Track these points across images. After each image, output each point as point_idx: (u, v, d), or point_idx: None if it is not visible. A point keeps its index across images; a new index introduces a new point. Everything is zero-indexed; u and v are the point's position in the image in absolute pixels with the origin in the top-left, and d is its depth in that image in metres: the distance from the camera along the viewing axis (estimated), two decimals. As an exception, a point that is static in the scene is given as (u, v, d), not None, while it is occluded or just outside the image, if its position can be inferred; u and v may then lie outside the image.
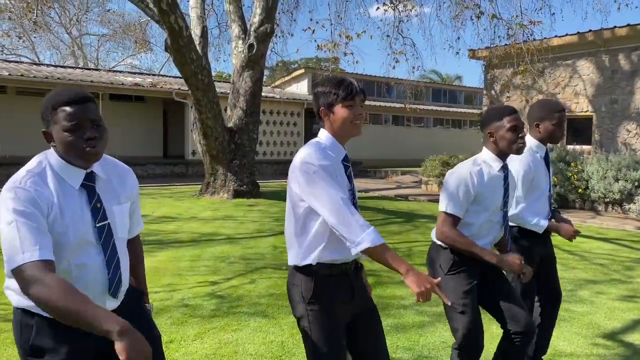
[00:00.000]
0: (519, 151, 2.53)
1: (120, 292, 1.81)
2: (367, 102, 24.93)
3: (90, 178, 1.75)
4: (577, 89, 14.11)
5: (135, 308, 1.94)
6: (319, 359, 1.98)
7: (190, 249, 6.80)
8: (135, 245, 2.07)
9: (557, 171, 11.56)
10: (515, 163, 2.89)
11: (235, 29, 13.35)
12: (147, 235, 7.57)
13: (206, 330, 3.92)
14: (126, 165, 1.96)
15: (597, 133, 13.69)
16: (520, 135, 2.50)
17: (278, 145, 22.59)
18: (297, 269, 2.05)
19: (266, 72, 24.18)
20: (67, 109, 1.64)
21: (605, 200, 11.25)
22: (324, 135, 2.06)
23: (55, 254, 1.59)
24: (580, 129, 14.35)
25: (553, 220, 3.10)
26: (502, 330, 2.57)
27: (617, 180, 10.95)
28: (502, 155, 2.57)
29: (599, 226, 9.59)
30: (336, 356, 1.98)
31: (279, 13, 16.24)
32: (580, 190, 11.50)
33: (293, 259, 2.06)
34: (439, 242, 2.59)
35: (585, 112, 13.94)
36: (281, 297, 4.72)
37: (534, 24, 13.12)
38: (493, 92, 15.93)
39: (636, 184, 10.79)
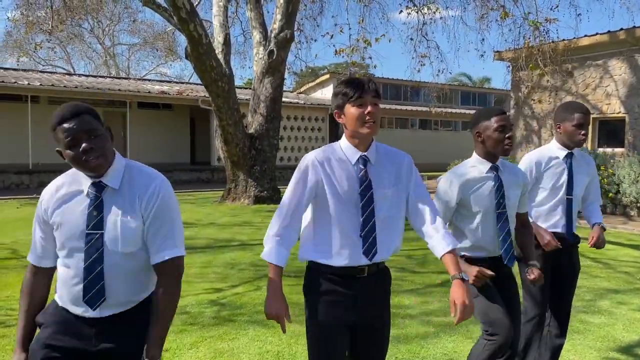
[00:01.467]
0: (505, 152, 2.47)
1: (102, 306, 1.76)
2: (393, 106, 24.89)
3: (97, 187, 1.77)
4: (608, 90, 13.60)
5: (122, 346, 1.78)
6: (312, 353, 2.03)
7: (203, 255, 6.80)
8: (160, 284, 1.76)
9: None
10: (529, 156, 2.97)
11: (256, 36, 13.42)
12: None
13: (203, 339, 3.87)
14: (154, 176, 1.81)
15: (630, 135, 13.16)
16: (507, 135, 2.44)
17: (303, 151, 22.58)
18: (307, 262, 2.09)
19: (294, 78, 24.30)
20: (64, 126, 1.72)
21: (638, 205, 10.78)
22: (342, 136, 2.07)
23: (58, 250, 1.82)
24: (612, 131, 13.82)
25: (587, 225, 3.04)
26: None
27: (650, 184, 10.48)
28: (490, 156, 2.52)
29: (630, 232, 9.18)
30: (326, 353, 1.98)
31: (302, 19, 16.30)
32: (610, 194, 11.05)
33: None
34: None
35: (618, 113, 13.42)
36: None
37: (549, 22, 12.70)
38: (520, 94, 15.52)
39: (671, 187, 10.30)
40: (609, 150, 13.16)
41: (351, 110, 1.95)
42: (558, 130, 2.96)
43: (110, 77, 25.61)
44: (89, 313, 1.76)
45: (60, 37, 26.56)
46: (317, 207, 2.02)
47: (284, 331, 1.99)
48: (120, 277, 1.76)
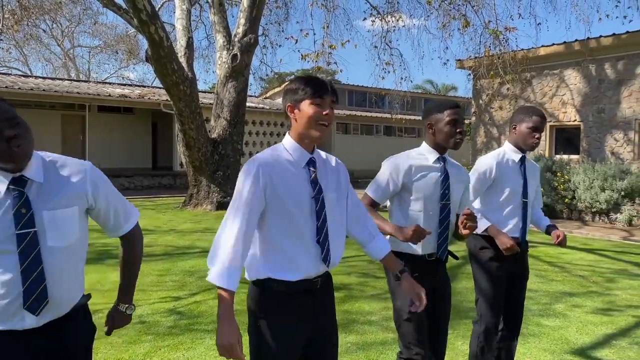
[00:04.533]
0: (455, 146, 2.46)
1: (46, 309, 1.63)
2: (359, 113, 25.05)
3: (18, 182, 1.62)
4: (564, 99, 14.04)
5: (71, 342, 1.73)
6: None
7: (160, 262, 6.63)
8: (126, 244, 1.95)
9: (543, 181, 11.45)
10: (487, 158, 2.96)
11: (220, 40, 13.28)
12: (117, 248, 7.39)
13: (157, 349, 3.75)
14: (82, 163, 1.78)
15: (585, 142, 13.60)
16: (458, 130, 2.43)
17: (268, 156, 22.44)
18: (251, 281, 1.90)
19: (260, 84, 24.17)
20: None
21: (592, 210, 11.14)
22: (286, 137, 1.91)
23: None
24: (568, 139, 14.27)
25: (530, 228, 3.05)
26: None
27: (603, 190, 10.85)
28: (439, 147, 2.50)
29: (585, 236, 9.46)
30: None
31: (267, 24, 16.24)
32: (567, 200, 11.38)
33: (246, 272, 1.91)
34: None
35: (573, 121, 13.85)
36: (242, 313, 4.53)
37: (509, 31, 13.06)
38: (481, 101, 15.86)
39: (622, 193, 10.68)
40: (565, 157, 13.57)
41: (308, 108, 1.82)
42: (513, 131, 2.96)
43: (69, 79, 24.89)
44: (31, 321, 1.63)
45: (17, 38, 25.69)
46: (268, 215, 1.82)
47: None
48: (60, 276, 1.67)
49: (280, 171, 1.82)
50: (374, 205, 2.52)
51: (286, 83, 2.05)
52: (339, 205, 1.96)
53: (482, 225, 2.85)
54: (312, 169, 1.88)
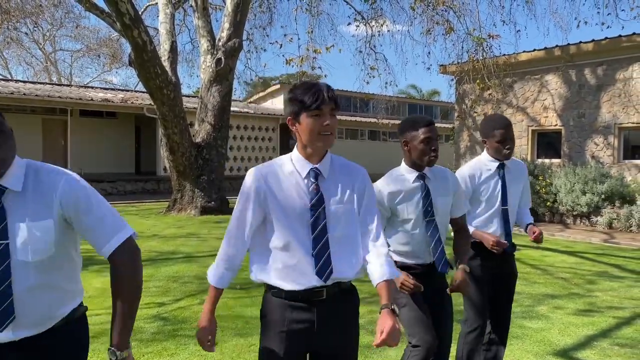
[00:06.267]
0: (429, 163, 2.49)
1: (14, 325, 1.55)
2: (344, 117, 25.14)
3: None
4: (545, 103, 14.25)
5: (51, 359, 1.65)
6: None
7: (144, 268, 6.54)
8: (111, 268, 1.64)
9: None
10: (462, 170, 2.97)
11: (204, 44, 13.24)
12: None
13: (141, 355, 3.71)
14: (62, 173, 1.65)
15: (566, 146, 13.81)
16: (432, 148, 2.45)
17: (253, 161, 22.40)
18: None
19: (245, 88, 24.15)
20: None
21: (574, 213, 11.30)
22: (295, 147, 1.92)
23: None
24: (550, 143, 14.47)
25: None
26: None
27: (584, 193, 11.01)
28: (416, 165, 2.52)
29: (566, 239, 9.59)
30: None
31: (251, 29, 16.23)
32: (548, 203, 11.53)
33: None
34: None
35: (555, 125, 14.06)
36: (228, 318, 4.53)
37: (492, 38, 13.24)
38: (464, 106, 16.02)
39: (603, 196, 10.85)
40: (547, 161, 13.76)
41: (307, 120, 1.79)
42: (485, 145, 2.99)
43: (50, 83, 24.57)
44: (3, 336, 1.55)
45: (-4, 41, 25.29)
46: (267, 222, 1.85)
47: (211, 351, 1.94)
48: (32, 291, 1.57)
49: (276, 181, 1.85)
50: None
51: (273, 87, 2.01)
52: (346, 217, 1.87)
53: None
54: (312, 179, 1.85)
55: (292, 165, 1.86)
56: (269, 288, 1.89)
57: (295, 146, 1.90)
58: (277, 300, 1.85)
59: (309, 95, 1.79)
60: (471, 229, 2.89)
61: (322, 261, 1.80)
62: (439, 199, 2.52)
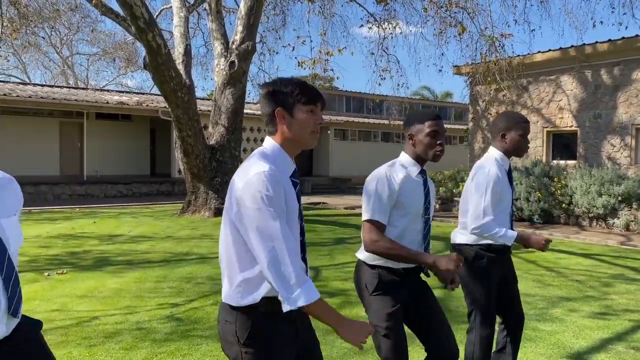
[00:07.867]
0: (435, 158, 2.40)
1: (21, 309, 1.63)
2: (357, 119, 25.11)
3: None
4: (561, 104, 14.11)
5: (32, 336, 1.72)
6: None
7: (158, 269, 6.63)
8: None
9: (540, 186, 11.48)
10: (485, 171, 2.80)
11: (217, 47, 13.34)
12: (117, 255, 7.41)
13: (154, 355, 3.75)
14: (7, 175, 1.74)
15: (582, 148, 13.66)
16: (438, 142, 2.38)
17: (266, 163, 22.45)
18: (233, 307, 1.72)
19: (258, 91, 24.26)
20: None
21: (590, 215, 11.16)
22: (269, 144, 1.75)
23: None
24: (565, 144, 14.32)
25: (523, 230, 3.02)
26: (427, 353, 2.45)
27: (600, 195, 10.87)
28: (420, 159, 2.43)
29: (582, 242, 9.47)
30: None
31: (264, 31, 16.32)
32: (564, 205, 11.40)
33: (229, 297, 1.72)
34: (363, 259, 2.45)
35: (570, 127, 13.92)
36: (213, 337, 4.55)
37: (505, 37, 13.15)
38: (478, 107, 15.92)
39: (620, 198, 10.70)
40: (562, 162, 13.62)
41: (303, 115, 1.72)
42: (503, 139, 2.89)
43: (67, 87, 24.92)
44: (12, 325, 1.60)
45: (15, 46, 25.74)
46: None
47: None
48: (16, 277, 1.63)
49: (288, 186, 1.72)
50: (384, 230, 2.35)
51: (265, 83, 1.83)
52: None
53: (511, 234, 2.77)
54: (296, 180, 1.76)
55: (280, 164, 1.73)
56: (257, 304, 1.73)
57: (268, 142, 1.76)
58: (268, 314, 1.74)
59: (307, 90, 1.75)
60: (503, 230, 2.77)
61: (307, 266, 1.81)
62: (432, 200, 2.48)
